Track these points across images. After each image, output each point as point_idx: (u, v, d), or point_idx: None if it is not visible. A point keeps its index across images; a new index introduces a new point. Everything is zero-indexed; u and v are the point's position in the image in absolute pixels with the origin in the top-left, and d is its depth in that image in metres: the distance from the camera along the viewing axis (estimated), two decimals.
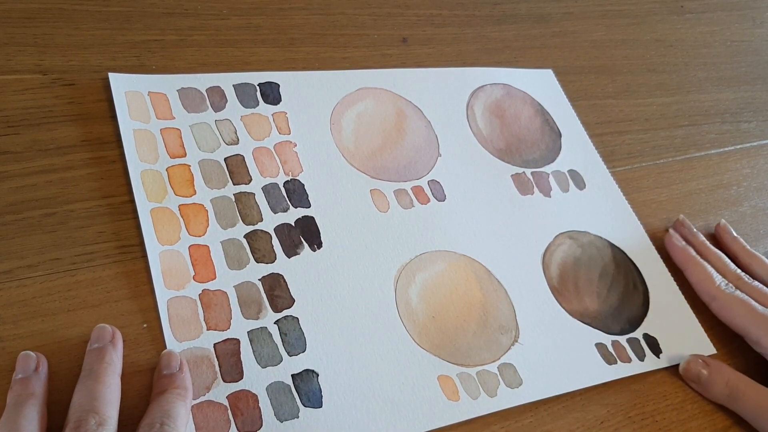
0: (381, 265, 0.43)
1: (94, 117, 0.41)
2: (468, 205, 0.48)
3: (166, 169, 0.41)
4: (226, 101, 0.45)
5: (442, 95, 0.53)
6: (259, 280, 0.40)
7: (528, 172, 0.52)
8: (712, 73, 0.67)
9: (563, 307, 0.46)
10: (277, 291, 0.40)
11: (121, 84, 0.42)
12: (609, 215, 0.52)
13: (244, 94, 0.46)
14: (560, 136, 0.55)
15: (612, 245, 0.50)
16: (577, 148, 0.54)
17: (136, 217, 0.39)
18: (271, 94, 0.47)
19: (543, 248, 0.48)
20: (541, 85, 0.57)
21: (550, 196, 0.51)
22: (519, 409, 0.40)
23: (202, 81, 0.45)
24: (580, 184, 0.52)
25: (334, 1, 0.54)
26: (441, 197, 0.48)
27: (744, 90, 0.66)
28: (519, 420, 0.40)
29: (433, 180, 0.49)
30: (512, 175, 0.51)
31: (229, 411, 0.35)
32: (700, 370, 0.44)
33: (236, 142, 0.44)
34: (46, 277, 0.36)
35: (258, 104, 0.46)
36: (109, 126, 0.41)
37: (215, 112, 0.44)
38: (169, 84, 0.44)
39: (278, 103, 0.47)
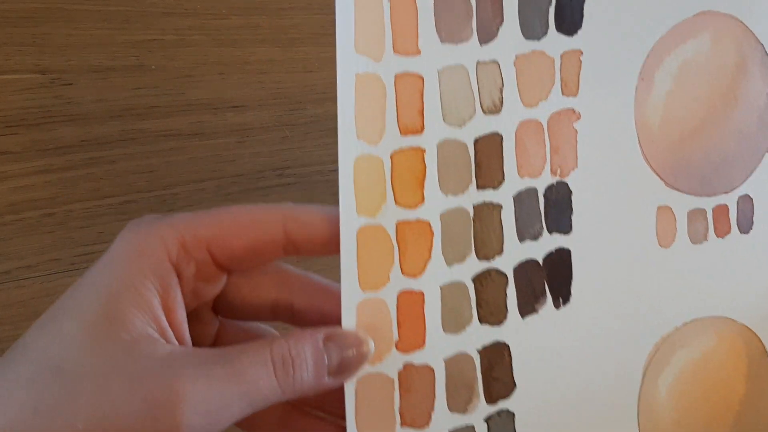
0: (636, 336, 0.32)
1: (94, 117, 0.41)
2: None
3: (392, 155, 0.26)
4: (501, 22, 0.28)
5: None
6: (478, 351, 0.29)
7: None
8: None
9: None
10: (497, 371, 0.29)
11: None
12: None
13: (533, 8, 0.28)
14: None
15: None
16: None
17: (137, 218, 0.37)
18: (570, 12, 0.29)
19: None
20: None
21: None
22: None
23: None
24: None
25: (335, 1, 0.44)
26: (746, 226, 0.34)
27: None
28: None
29: (745, 196, 0.33)
30: None
31: None
32: None
33: (498, 108, 0.28)
34: (45, 277, 0.38)
35: (547, 31, 0.29)
36: (108, 126, 0.42)
37: (481, 44, 0.28)
38: None
39: (577, 30, 0.29)
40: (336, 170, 0.27)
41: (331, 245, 0.26)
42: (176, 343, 0.25)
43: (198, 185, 0.45)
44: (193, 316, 0.27)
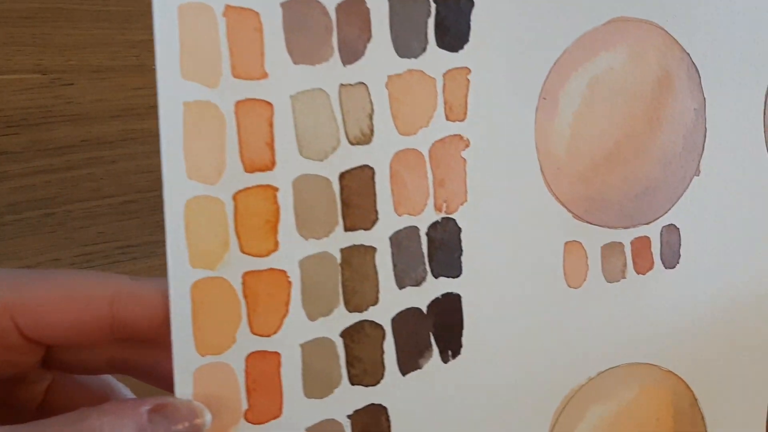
0: (541, 390, 0.28)
1: (93, 117, 0.41)
2: (708, 279, 0.30)
3: (235, 195, 0.23)
4: (369, 38, 0.24)
5: (742, 39, 0.31)
6: (348, 417, 0.25)
7: None
8: None
9: None
10: None
11: None
12: None
13: (407, 21, 0.25)
14: None
15: None
16: None
17: (136, 218, 0.41)
18: (454, 24, 0.25)
19: None
20: None
21: None
22: None
23: None
24: None
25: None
26: (671, 261, 0.30)
27: None
28: None
29: (669, 226, 0.30)
30: None
31: None
32: None
33: (368, 138, 0.25)
34: None
35: (426, 47, 0.25)
36: (109, 126, 0.42)
37: (345, 64, 0.24)
38: None
39: (463, 45, 0.26)
40: None
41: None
42: None
43: None
44: (14, 378, 0.24)
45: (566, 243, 0.28)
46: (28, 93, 0.41)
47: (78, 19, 0.43)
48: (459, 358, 0.27)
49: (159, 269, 0.38)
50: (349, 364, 0.25)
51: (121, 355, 0.25)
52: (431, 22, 0.25)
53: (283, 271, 0.24)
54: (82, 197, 0.41)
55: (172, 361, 0.23)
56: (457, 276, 0.26)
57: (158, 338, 0.23)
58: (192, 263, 0.22)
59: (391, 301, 0.25)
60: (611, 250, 0.29)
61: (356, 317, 0.25)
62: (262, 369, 0.24)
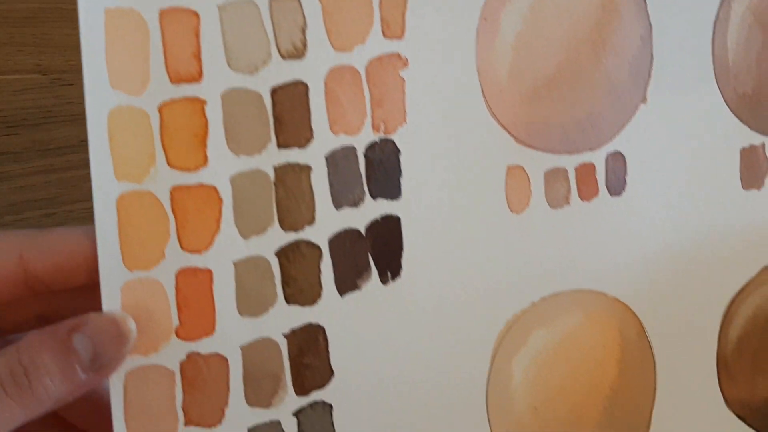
0: (483, 313, 0.28)
1: None
2: (654, 207, 0.30)
3: (160, 107, 0.22)
4: None
5: None
6: (285, 335, 0.25)
7: None
8: None
9: (723, 395, 0.32)
10: (309, 357, 0.25)
11: None
12: None
13: None
14: None
15: None
16: None
17: None
18: None
19: (738, 287, 0.32)
20: None
21: None
22: None
23: None
24: None
25: None
26: (617, 188, 0.30)
27: None
28: None
29: (615, 153, 0.30)
30: (743, 150, 0.32)
31: None
32: None
33: (300, 52, 0.24)
34: None
35: None
36: None
37: None
38: None
39: None
40: None
41: (91, 273, 0.22)
42: None
43: None
44: None
45: (508, 167, 0.28)
46: (28, 93, 0.41)
47: (78, 20, 0.44)
48: (398, 280, 0.26)
49: None
50: (284, 283, 0.25)
51: (49, 309, 0.24)
52: None
53: (213, 187, 0.23)
54: (82, 197, 0.40)
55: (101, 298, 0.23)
56: (396, 198, 0.26)
57: (82, 284, 0.23)
58: (117, 176, 0.22)
59: (328, 221, 0.25)
60: (555, 175, 0.29)
61: (292, 237, 0.25)
62: (193, 286, 0.23)
